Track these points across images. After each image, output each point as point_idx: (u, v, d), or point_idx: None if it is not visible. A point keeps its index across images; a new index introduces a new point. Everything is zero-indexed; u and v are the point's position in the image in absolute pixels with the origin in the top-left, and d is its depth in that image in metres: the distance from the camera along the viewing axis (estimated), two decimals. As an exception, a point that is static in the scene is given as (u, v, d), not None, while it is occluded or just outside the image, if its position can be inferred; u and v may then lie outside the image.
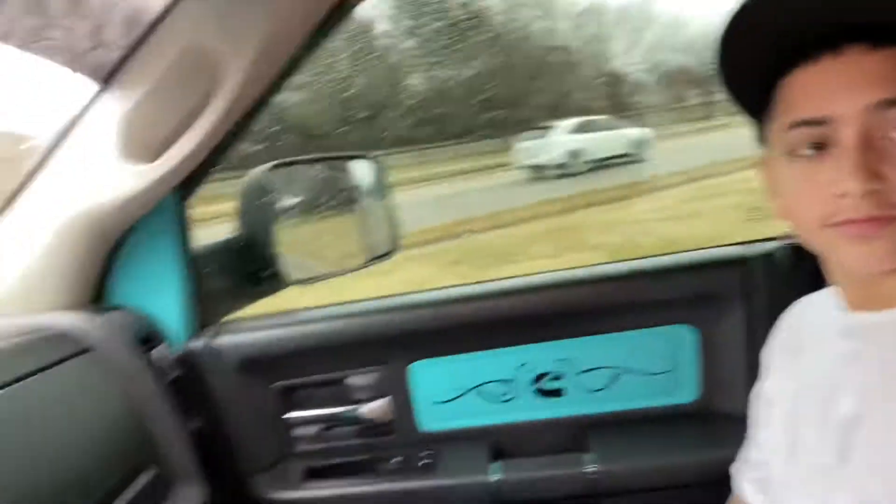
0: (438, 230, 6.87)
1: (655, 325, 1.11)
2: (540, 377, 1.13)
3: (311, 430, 1.17)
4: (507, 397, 1.14)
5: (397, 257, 1.37)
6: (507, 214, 7.21)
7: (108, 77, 0.96)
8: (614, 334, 1.12)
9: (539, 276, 1.15)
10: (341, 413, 1.15)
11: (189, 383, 1.09)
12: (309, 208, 1.38)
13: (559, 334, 1.12)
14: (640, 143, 8.95)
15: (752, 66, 0.57)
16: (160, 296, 1.11)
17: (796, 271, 1.08)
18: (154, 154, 0.99)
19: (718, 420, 1.10)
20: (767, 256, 1.08)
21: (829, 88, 0.53)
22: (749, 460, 0.80)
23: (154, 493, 0.96)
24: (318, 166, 1.41)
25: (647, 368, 1.12)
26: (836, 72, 0.53)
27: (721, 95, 0.67)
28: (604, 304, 1.11)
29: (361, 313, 1.14)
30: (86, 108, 0.99)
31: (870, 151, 0.52)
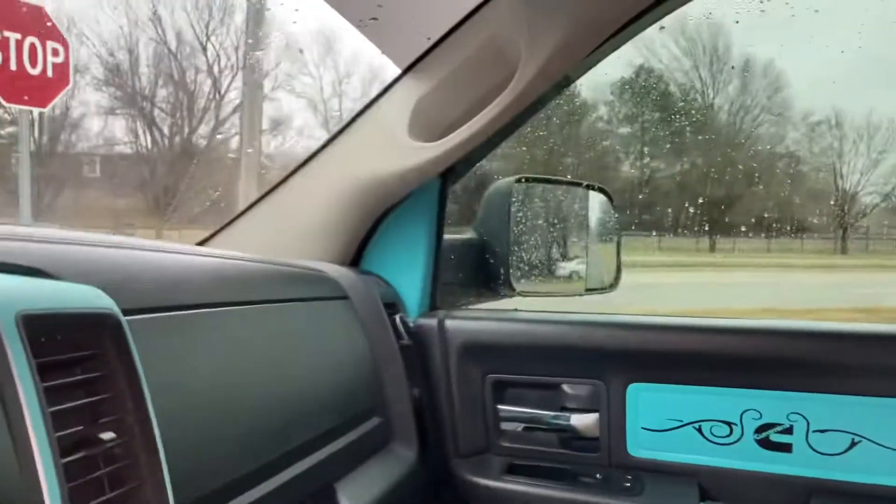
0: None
1: None
2: (766, 427, 1.07)
3: (518, 427, 1.18)
4: (728, 441, 1.08)
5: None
6: None
7: (412, 63, 1.10)
8: (857, 397, 1.03)
9: (782, 321, 1.10)
10: (550, 417, 1.16)
11: (416, 354, 1.16)
12: (544, 226, 1.44)
13: (792, 385, 1.05)
14: None
15: None
16: (406, 270, 1.20)
17: None
18: (435, 136, 1.09)
19: None
20: None
21: None
22: None
23: (376, 439, 1.02)
24: (561, 189, 1.48)
25: (891, 442, 1.02)
26: None
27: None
28: (852, 362, 1.03)
29: (583, 323, 1.15)
30: (385, 90, 1.13)
31: None
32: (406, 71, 1.10)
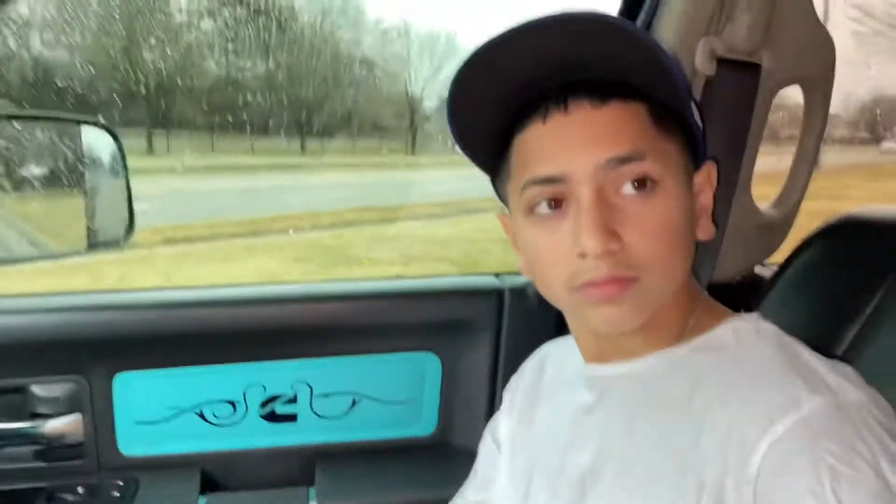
0: (257, 223, 6.48)
1: (402, 350, 1.05)
2: (271, 400, 1.01)
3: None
4: (230, 421, 1.00)
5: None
6: (325, 216, 6.96)
7: None
8: (357, 357, 1.03)
9: (276, 287, 1.04)
10: (18, 429, 0.94)
11: None
12: (19, 175, 1.14)
13: (296, 353, 1.01)
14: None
15: (482, 124, 0.55)
16: None
17: (546, 309, 1.09)
18: None
19: (455, 455, 1.06)
20: (520, 291, 1.06)
21: (561, 146, 0.52)
22: (467, 499, 0.75)
23: None
24: (41, 126, 1.18)
25: (388, 396, 1.05)
26: (567, 129, 0.52)
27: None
28: (348, 323, 1.03)
29: (54, 309, 0.94)
30: None
31: (607, 210, 0.51)
32: None
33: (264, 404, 1.01)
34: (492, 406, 1.07)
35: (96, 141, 1.23)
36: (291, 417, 1.02)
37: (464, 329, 1.06)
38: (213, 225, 6.38)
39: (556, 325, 1.09)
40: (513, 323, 1.06)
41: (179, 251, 5.68)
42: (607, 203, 0.51)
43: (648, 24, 0.87)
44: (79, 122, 1.20)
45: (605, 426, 0.57)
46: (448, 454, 1.07)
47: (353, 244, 6.29)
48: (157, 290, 1.01)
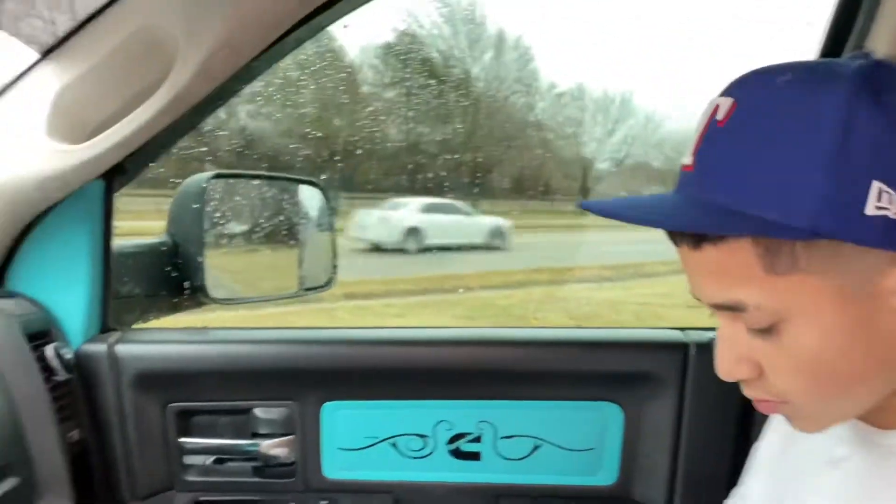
0: (430, 281, 6.83)
1: (584, 399, 1.07)
2: (457, 437, 1.07)
3: (205, 460, 1.07)
4: (421, 454, 1.07)
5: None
6: (495, 276, 7.15)
7: (50, 47, 0.90)
8: (541, 402, 1.07)
9: (468, 330, 1.11)
10: (240, 446, 1.07)
11: (80, 389, 0.99)
12: (247, 226, 1.32)
13: (483, 394, 1.07)
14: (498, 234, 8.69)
15: None
16: (66, 290, 1.02)
17: None
18: (86, 136, 0.92)
19: None
20: (706, 346, 1.05)
21: (688, 277, 0.51)
22: None
23: None
24: (264, 184, 1.36)
25: (569, 444, 1.07)
26: (683, 263, 0.51)
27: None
28: (534, 368, 1.07)
29: (275, 341, 1.07)
30: (19, 77, 0.93)
31: (740, 341, 0.49)
32: (43, 56, 0.91)
33: (451, 441, 1.07)
34: (674, 461, 1.06)
35: (310, 198, 1.39)
36: (475, 456, 1.07)
37: (647, 382, 1.06)
38: (389, 282, 6.71)
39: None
40: (698, 377, 1.05)
41: (359, 305, 6.03)
42: (742, 334, 0.49)
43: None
44: (298, 181, 1.37)
45: (845, 487, 0.54)
46: None
47: (522, 304, 6.34)
48: (362, 329, 1.12)
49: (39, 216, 0.98)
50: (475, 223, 8.18)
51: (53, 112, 0.91)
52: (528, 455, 1.07)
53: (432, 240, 7.75)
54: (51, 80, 0.91)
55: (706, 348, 1.05)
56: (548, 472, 1.07)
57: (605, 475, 1.07)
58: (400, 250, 7.63)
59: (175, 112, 0.91)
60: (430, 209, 7.91)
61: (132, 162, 1.01)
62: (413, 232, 7.65)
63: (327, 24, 0.96)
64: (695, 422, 1.05)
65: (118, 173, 1.02)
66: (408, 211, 7.74)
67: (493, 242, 8.15)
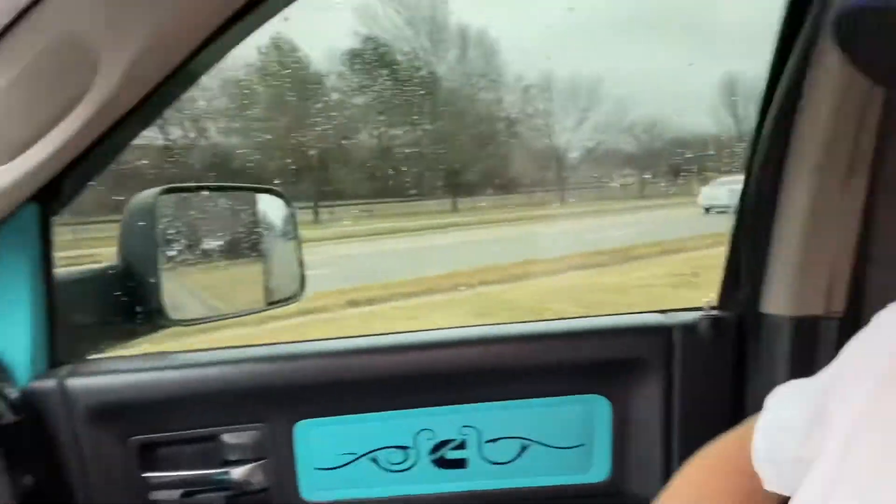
0: (427, 282, 6.77)
1: (569, 393, 1.02)
2: (441, 445, 1.01)
3: (174, 494, 1.01)
4: (404, 467, 1.01)
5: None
6: (490, 272, 7.10)
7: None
8: (525, 401, 1.01)
9: (442, 331, 1.05)
10: (210, 475, 1.00)
11: (28, 430, 0.92)
12: (204, 242, 1.26)
13: (464, 398, 1.01)
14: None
15: None
16: (7, 324, 0.95)
17: (720, 346, 1.01)
18: (9, 155, 0.85)
19: (628, 502, 1.00)
20: (689, 327, 1.00)
21: None
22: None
23: None
24: (219, 196, 1.30)
25: (557, 441, 1.02)
26: None
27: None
28: (515, 365, 1.01)
29: (239, 360, 1.00)
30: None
31: None
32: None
33: (434, 450, 1.01)
34: (668, 450, 1.01)
35: (270, 207, 1.33)
36: (461, 463, 1.01)
37: (632, 369, 1.01)
38: (388, 286, 6.65)
39: (733, 362, 1.02)
40: (684, 360, 1.00)
41: (366, 311, 5.96)
42: None
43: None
44: (256, 190, 1.31)
45: None
46: (622, 502, 1.02)
47: (529, 297, 6.29)
48: (329, 340, 1.06)
49: None
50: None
51: None
52: (516, 457, 1.02)
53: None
54: None
55: (690, 329, 1.00)
56: (537, 473, 1.02)
57: (597, 471, 1.02)
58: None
59: (103, 123, 0.85)
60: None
61: (68, 182, 0.94)
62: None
63: (265, 20, 0.89)
64: (685, 406, 1.01)
65: (54, 195, 0.95)
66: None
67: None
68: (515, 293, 6.51)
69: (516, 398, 1.01)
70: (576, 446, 1.02)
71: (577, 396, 1.02)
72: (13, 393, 0.92)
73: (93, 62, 0.80)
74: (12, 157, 0.85)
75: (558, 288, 6.61)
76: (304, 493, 1.01)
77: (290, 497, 1.01)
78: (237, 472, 1.00)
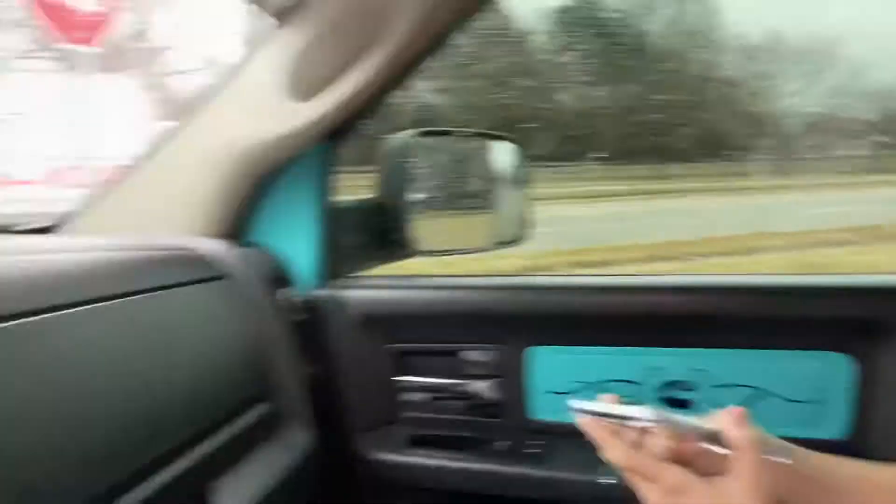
0: (656, 248, 6.69)
1: (807, 347, 1.00)
2: (669, 385, 1.05)
3: (421, 397, 1.14)
4: (630, 400, 1.06)
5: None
6: (718, 242, 6.84)
7: (284, 13, 1.00)
8: (759, 351, 1.01)
9: (680, 276, 1.07)
10: (452, 385, 1.12)
11: (310, 329, 1.10)
12: (448, 181, 1.37)
13: (696, 342, 1.03)
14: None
15: None
16: (295, 240, 1.13)
17: None
18: (311, 96, 1.01)
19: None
20: None
21: None
22: None
23: (264, 428, 0.97)
24: (464, 141, 1.40)
25: (790, 394, 1.01)
26: None
27: None
28: (752, 316, 1.02)
29: (485, 287, 1.10)
30: (259, 44, 1.03)
31: None
32: (280, 23, 1.00)
33: (661, 389, 1.05)
34: None
35: (504, 154, 1.41)
36: (687, 404, 1.04)
37: (879, 331, 0.97)
38: (614, 249, 6.57)
39: None
40: None
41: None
42: None
43: None
44: (493, 138, 1.40)
45: None
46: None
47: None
48: (568, 276, 1.13)
49: (273, 173, 1.09)
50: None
51: (289, 75, 1.00)
52: (745, 405, 1.02)
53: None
54: (287, 44, 1.00)
55: None
56: (764, 422, 1.01)
57: (830, 427, 1.00)
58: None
59: (394, 67, 0.97)
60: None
61: (350, 119, 1.09)
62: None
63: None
64: None
65: (340, 133, 1.10)
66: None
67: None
68: (760, 266, 6.12)
69: (750, 347, 1.02)
70: (810, 401, 1.00)
71: (814, 352, 1.00)
72: (300, 297, 1.09)
73: (383, 16, 0.92)
74: (309, 98, 0.99)
75: (808, 264, 6.08)
76: (533, 412, 1.10)
77: (520, 414, 1.10)
78: (475, 386, 1.11)
